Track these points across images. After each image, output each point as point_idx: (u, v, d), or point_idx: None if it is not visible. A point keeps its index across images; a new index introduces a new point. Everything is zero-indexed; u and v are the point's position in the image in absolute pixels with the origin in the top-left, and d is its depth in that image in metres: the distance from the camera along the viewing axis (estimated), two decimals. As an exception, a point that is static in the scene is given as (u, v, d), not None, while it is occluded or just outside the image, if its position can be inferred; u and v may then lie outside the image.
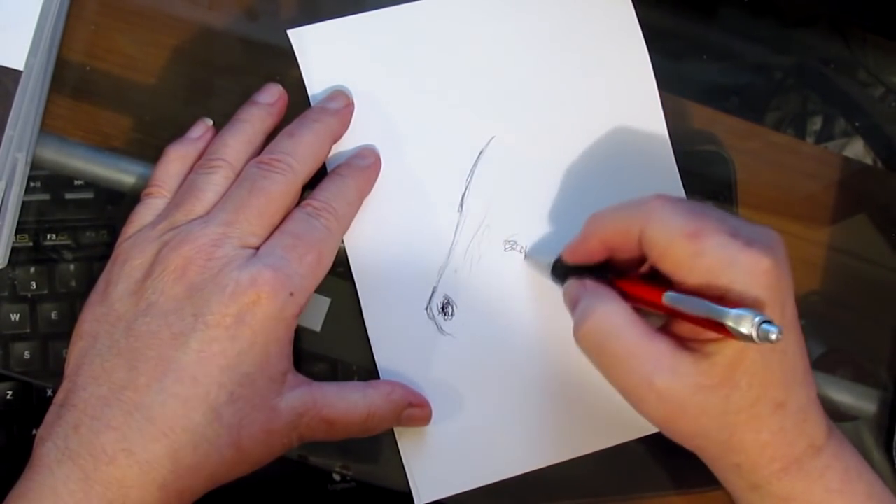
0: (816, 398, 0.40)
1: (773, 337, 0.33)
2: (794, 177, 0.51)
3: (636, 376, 0.37)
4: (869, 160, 0.53)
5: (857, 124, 0.53)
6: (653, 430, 0.47)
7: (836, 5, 0.51)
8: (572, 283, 0.42)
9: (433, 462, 0.45)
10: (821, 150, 0.53)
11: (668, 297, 0.37)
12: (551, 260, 0.44)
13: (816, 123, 0.54)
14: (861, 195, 0.51)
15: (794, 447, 0.38)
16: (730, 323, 0.34)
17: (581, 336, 0.39)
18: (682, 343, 0.38)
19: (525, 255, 0.47)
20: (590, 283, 0.41)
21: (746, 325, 0.33)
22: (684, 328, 0.39)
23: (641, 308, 0.39)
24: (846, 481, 0.39)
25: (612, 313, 0.38)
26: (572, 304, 0.41)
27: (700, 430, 0.38)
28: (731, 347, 0.37)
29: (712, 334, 0.36)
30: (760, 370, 0.37)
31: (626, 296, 0.39)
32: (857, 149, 0.53)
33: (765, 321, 0.33)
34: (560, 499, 0.47)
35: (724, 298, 0.36)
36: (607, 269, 0.41)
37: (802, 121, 0.54)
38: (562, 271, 0.43)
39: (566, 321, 0.42)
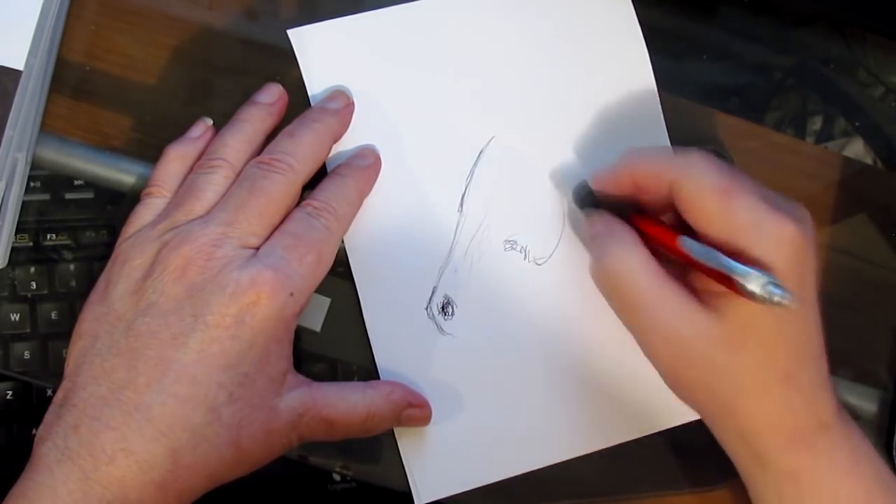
0: (829, 379, 0.40)
1: (778, 299, 0.33)
2: (794, 177, 0.51)
3: (647, 320, 0.38)
4: (869, 160, 0.53)
5: (857, 124, 0.53)
6: (653, 429, 0.47)
7: (836, 5, 0.51)
8: (595, 217, 0.42)
9: (433, 462, 0.45)
10: (821, 150, 0.53)
11: (684, 243, 0.37)
12: (576, 184, 0.44)
13: (816, 123, 0.54)
14: (861, 195, 0.51)
15: (801, 421, 0.38)
16: (738, 278, 0.34)
17: (598, 274, 0.40)
18: (697, 295, 0.38)
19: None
20: (611, 220, 0.41)
21: (753, 283, 0.34)
22: (700, 281, 0.39)
23: (659, 252, 0.39)
24: (854, 462, 0.39)
25: (631, 255, 0.39)
26: (592, 238, 0.41)
27: (703, 382, 0.38)
28: (744, 307, 0.37)
29: (724, 289, 0.36)
30: (771, 335, 0.37)
31: (642, 234, 0.39)
32: (857, 149, 0.53)
33: (773, 283, 0.33)
34: (560, 499, 0.47)
35: (741, 257, 0.36)
36: (628, 207, 0.41)
37: (802, 121, 0.54)
38: (583, 195, 0.44)
39: (566, 321, 0.42)
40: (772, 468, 0.39)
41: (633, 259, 0.39)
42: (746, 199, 0.37)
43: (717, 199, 0.37)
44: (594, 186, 0.43)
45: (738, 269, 0.34)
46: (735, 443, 0.40)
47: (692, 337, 0.37)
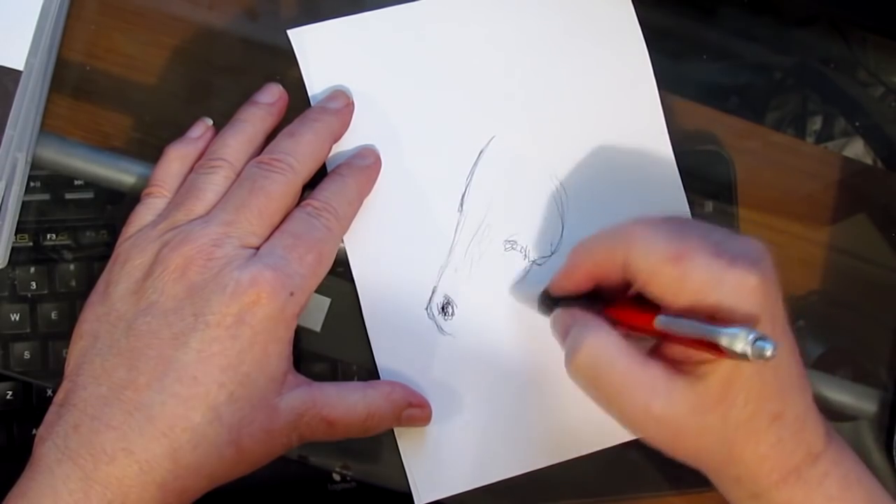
0: (813, 404, 0.40)
1: (769, 353, 0.32)
2: (794, 177, 0.51)
3: (632, 404, 0.37)
4: (869, 160, 0.53)
5: (857, 124, 0.53)
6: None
7: (836, 5, 0.51)
8: (560, 313, 0.42)
9: (433, 462, 0.45)
10: (821, 150, 0.53)
11: (660, 321, 0.36)
12: (538, 292, 0.44)
13: (816, 123, 0.54)
14: (861, 195, 0.51)
15: (792, 457, 0.38)
16: (724, 342, 0.33)
17: (573, 368, 0.38)
18: (675, 366, 0.37)
19: (511, 289, 0.46)
20: (577, 313, 0.40)
21: (741, 343, 0.33)
22: (675, 351, 0.38)
23: (631, 334, 0.38)
24: (845, 488, 0.39)
25: (603, 342, 0.37)
26: (562, 335, 0.40)
27: (700, 449, 0.38)
28: (724, 366, 0.36)
29: (704, 356, 0.36)
30: (756, 385, 0.37)
31: (616, 323, 0.39)
32: (857, 149, 0.53)
33: (759, 338, 0.33)
34: (560, 499, 0.47)
35: (714, 318, 0.35)
36: (595, 298, 0.41)
37: (802, 121, 0.54)
38: (549, 303, 0.43)
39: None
40: (766, 500, 0.39)
41: (607, 345, 0.37)
42: (699, 259, 0.36)
43: (670, 268, 0.36)
44: (555, 293, 0.43)
45: (724, 333, 0.33)
46: (731, 486, 0.40)
47: (681, 412, 0.37)
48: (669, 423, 0.37)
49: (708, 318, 0.35)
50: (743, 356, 0.33)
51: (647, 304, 0.38)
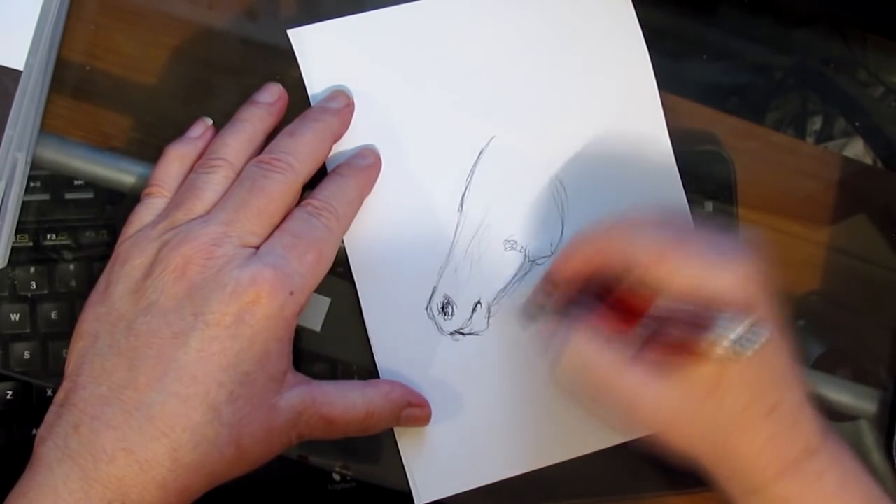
0: (807, 399, 0.39)
1: (764, 339, 0.33)
2: (794, 177, 0.51)
3: (620, 402, 0.37)
4: (869, 160, 0.53)
5: (857, 124, 0.53)
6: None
7: (836, 5, 0.51)
8: (541, 325, 0.42)
9: (433, 462, 0.45)
10: (821, 150, 0.53)
11: (659, 304, 0.37)
12: (519, 304, 0.44)
13: (816, 123, 0.54)
14: (861, 195, 0.51)
15: (789, 451, 0.38)
16: (722, 325, 0.34)
17: (559, 372, 0.39)
18: (660, 368, 0.38)
19: (511, 289, 0.46)
20: (556, 320, 0.40)
21: (740, 327, 0.33)
22: (658, 357, 0.38)
23: (614, 338, 0.39)
24: (843, 485, 0.39)
25: (587, 343, 0.38)
26: (544, 344, 0.40)
27: (693, 440, 0.38)
28: (709, 365, 0.36)
29: (688, 358, 0.36)
30: (750, 376, 0.37)
31: (599, 328, 0.39)
32: (857, 149, 0.53)
33: (756, 322, 0.33)
34: (560, 499, 0.47)
35: (710, 307, 0.36)
36: (578, 307, 0.41)
37: (802, 121, 0.54)
38: (532, 313, 0.43)
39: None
40: (765, 499, 0.39)
41: (589, 348, 0.38)
42: (695, 250, 0.37)
43: (668, 257, 0.37)
44: (556, 277, 0.42)
45: (723, 316, 0.34)
46: (727, 482, 0.40)
47: (674, 405, 0.37)
48: (659, 414, 0.37)
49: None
50: (737, 342, 0.33)
51: (629, 312, 0.38)
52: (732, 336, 0.33)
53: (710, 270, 0.37)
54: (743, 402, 0.37)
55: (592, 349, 0.38)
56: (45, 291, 0.44)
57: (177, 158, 0.43)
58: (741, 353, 0.34)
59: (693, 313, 0.35)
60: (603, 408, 0.38)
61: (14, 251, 0.44)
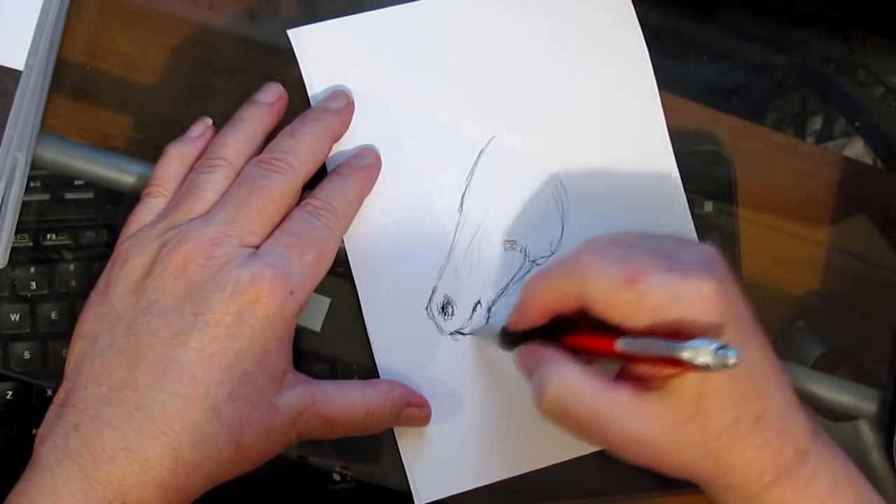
0: (796, 399, 0.39)
1: (732, 362, 0.32)
2: (794, 177, 0.51)
3: (608, 432, 0.37)
4: (869, 160, 0.53)
5: (857, 124, 0.53)
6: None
7: (836, 5, 0.51)
8: (520, 352, 0.41)
9: (433, 462, 0.45)
10: (821, 150, 0.53)
11: (622, 344, 0.36)
12: (497, 330, 0.43)
13: (816, 123, 0.54)
14: (861, 195, 0.51)
15: (782, 456, 0.38)
16: (686, 357, 0.33)
17: (543, 409, 0.38)
18: (644, 384, 0.37)
19: (470, 332, 0.46)
20: (535, 349, 0.40)
21: (703, 356, 0.32)
22: (643, 368, 0.38)
23: (595, 360, 0.38)
24: (835, 486, 0.39)
25: (567, 380, 0.37)
26: (527, 374, 0.40)
27: (686, 463, 0.37)
28: (692, 378, 0.36)
29: (671, 371, 0.36)
30: (731, 390, 0.37)
31: (578, 351, 0.38)
32: (857, 149, 0.53)
33: (720, 347, 0.32)
34: (560, 499, 0.47)
35: (678, 333, 0.35)
36: (555, 328, 0.40)
37: (802, 121, 0.54)
38: (510, 339, 0.43)
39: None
40: (758, 502, 0.39)
41: (572, 380, 0.37)
42: (652, 278, 0.36)
43: (625, 293, 0.36)
44: (513, 329, 0.42)
45: (685, 347, 0.33)
46: (724, 494, 0.39)
47: (658, 430, 0.36)
48: (648, 443, 0.37)
49: (671, 334, 0.35)
50: (707, 368, 0.32)
51: (607, 328, 0.37)
52: (699, 364, 0.33)
53: (671, 298, 0.35)
54: (728, 417, 0.37)
55: (573, 385, 0.37)
56: (45, 291, 0.44)
57: (177, 158, 0.43)
58: (713, 372, 0.33)
59: (659, 345, 0.34)
60: (593, 439, 0.38)
61: (14, 251, 0.44)
